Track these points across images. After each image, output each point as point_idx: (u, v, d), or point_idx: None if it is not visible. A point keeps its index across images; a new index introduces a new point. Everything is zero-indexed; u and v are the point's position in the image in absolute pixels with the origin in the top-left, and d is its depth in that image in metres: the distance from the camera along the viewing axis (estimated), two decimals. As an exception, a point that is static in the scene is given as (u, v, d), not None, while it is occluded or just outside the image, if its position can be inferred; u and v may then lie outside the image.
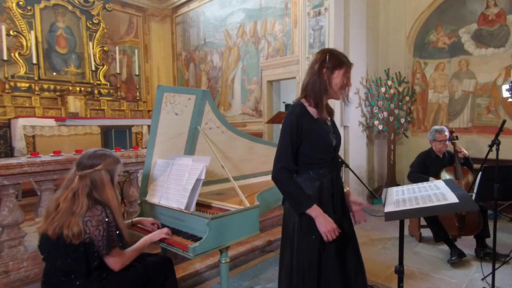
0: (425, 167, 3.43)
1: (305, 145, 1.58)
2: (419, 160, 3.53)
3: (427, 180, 3.25)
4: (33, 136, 5.40)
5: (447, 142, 3.38)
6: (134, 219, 2.13)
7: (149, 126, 4.12)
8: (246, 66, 6.84)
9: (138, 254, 1.79)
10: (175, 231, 2.00)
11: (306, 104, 1.62)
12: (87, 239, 1.56)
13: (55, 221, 1.56)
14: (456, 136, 3.39)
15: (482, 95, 4.72)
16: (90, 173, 1.64)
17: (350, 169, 3.85)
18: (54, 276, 1.62)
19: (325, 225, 1.51)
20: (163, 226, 2.07)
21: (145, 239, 1.86)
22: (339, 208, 1.68)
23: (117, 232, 1.64)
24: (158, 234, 1.91)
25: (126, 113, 7.24)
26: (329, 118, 1.70)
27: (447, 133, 3.35)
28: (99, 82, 7.01)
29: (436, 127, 3.46)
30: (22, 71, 6.01)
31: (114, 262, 1.63)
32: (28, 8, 6.04)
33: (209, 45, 7.60)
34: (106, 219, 1.59)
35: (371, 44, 5.45)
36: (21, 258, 2.37)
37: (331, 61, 1.57)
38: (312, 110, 1.61)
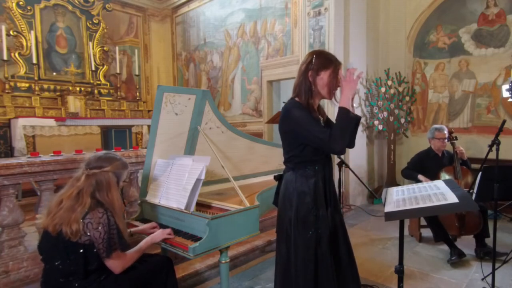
0: (423, 166, 3.45)
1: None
2: (416, 159, 3.56)
3: (415, 177, 3.36)
4: (33, 136, 5.39)
5: (446, 141, 3.39)
6: (132, 230, 2.06)
7: (149, 126, 4.12)
8: (246, 66, 6.83)
9: (139, 256, 1.78)
10: (175, 231, 1.99)
11: (300, 102, 1.65)
12: (87, 241, 1.56)
13: (57, 217, 1.56)
14: (456, 137, 3.39)
15: (482, 95, 4.72)
16: (97, 173, 1.65)
17: (350, 169, 3.84)
18: (53, 277, 1.61)
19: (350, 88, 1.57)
20: (163, 226, 2.07)
21: (146, 240, 1.86)
22: (332, 203, 1.71)
23: (118, 234, 1.64)
24: (161, 234, 1.90)
25: (126, 113, 7.24)
26: (321, 118, 1.72)
27: (446, 132, 3.37)
28: (99, 82, 7.01)
29: (436, 125, 3.48)
30: (22, 71, 6.01)
31: (115, 265, 1.63)
32: (28, 8, 6.04)
33: (209, 45, 7.60)
34: (107, 221, 1.59)
35: (371, 44, 5.45)
36: (21, 258, 2.37)
37: (316, 63, 1.60)
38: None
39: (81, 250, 1.56)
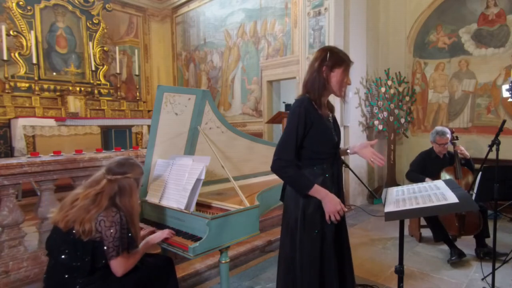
0: (425, 167, 3.43)
1: (310, 139, 1.60)
2: (418, 159, 3.53)
3: (423, 180, 3.25)
4: (33, 136, 5.40)
5: (447, 146, 3.36)
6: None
7: (149, 126, 4.12)
8: (246, 66, 6.83)
9: (140, 257, 1.78)
10: (175, 231, 1.99)
11: (311, 99, 1.64)
12: (97, 238, 1.56)
13: (69, 214, 1.57)
14: (456, 137, 3.38)
15: (482, 95, 4.72)
16: (120, 179, 1.68)
17: (350, 169, 3.84)
18: (57, 272, 1.61)
19: (330, 206, 1.56)
20: (163, 227, 2.07)
21: (146, 242, 1.86)
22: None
23: (129, 235, 1.65)
24: (160, 235, 1.91)
25: (126, 113, 7.25)
26: (330, 115, 1.72)
27: (448, 136, 3.29)
28: (99, 82, 7.01)
29: (438, 129, 3.37)
30: (22, 71, 6.01)
31: (119, 265, 1.61)
32: (28, 8, 6.04)
33: (209, 45, 7.60)
34: (120, 221, 1.60)
35: (371, 44, 5.45)
36: (21, 258, 2.37)
37: (331, 59, 1.60)
38: (316, 106, 1.63)
39: (90, 247, 1.56)
